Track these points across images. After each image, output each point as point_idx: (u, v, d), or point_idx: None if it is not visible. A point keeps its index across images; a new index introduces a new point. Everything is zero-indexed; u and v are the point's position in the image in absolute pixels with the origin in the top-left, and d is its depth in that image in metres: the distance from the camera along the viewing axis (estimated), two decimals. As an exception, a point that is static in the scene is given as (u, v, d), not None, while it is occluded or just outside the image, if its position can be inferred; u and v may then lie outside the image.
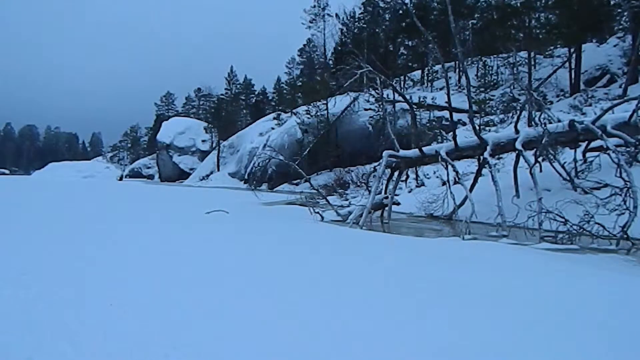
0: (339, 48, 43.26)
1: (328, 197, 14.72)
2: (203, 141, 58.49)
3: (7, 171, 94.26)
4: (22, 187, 21.60)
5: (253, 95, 66.37)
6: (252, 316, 2.71)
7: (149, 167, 68.82)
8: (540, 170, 10.58)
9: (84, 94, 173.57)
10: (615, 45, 25.84)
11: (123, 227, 7.16)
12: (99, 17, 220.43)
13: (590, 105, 20.38)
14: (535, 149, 10.11)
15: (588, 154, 10.68)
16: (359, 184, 21.45)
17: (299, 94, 43.91)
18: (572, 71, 25.14)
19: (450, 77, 15.21)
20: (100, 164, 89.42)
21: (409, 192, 16.92)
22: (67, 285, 3.27)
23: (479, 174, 11.61)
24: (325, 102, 32.60)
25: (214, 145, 54.30)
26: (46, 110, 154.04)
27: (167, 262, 4.22)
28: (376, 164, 15.55)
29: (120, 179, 68.23)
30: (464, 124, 23.16)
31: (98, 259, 4.27)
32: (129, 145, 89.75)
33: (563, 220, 7.70)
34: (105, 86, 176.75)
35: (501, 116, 23.78)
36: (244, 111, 63.57)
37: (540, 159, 10.45)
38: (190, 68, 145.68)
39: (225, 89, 63.92)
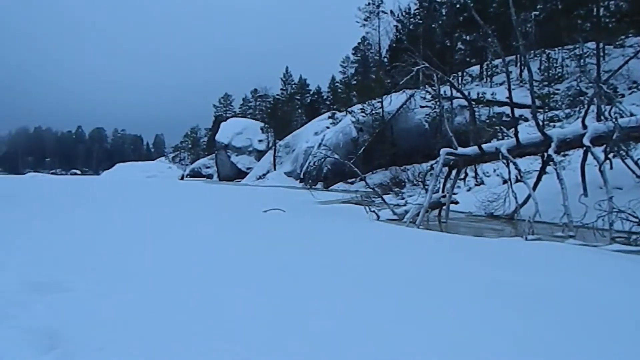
0: (394, 45, 42.68)
1: (384, 196, 14.59)
2: (259, 141, 59.66)
3: (78, 172, 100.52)
4: (95, 186, 22.92)
5: (308, 95, 66.81)
6: (321, 314, 2.73)
7: (208, 167, 71.03)
8: (611, 168, 10.01)
9: (147, 97, 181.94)
10: (695, 33, 23.89)
11: (189, 225, 7.44)
12: (158, 27, 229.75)
13: (667, 97, 18.97)
14: (605, 145, 9.53)
15: (665, 150, 9.97)
16: (415, 182, 21.10)
17: (354, 92, 43.77)
18: (646, 61, 23.46)
19: (511, 72, 14.58)
20: (163, 164, 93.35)
21: (468, 190, 16.46)
22: (135, 281, 3.42)
23: (542, 171, 11.10)
24: (380, 100, 32.29)
25: (270, 144, 55.26)
26: (113, 113, 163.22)
27: (231, 262, 4.32)
28: (433, 162, 15.26)
29: (182, 178, 70.86)
30: (526, 119, 22.23)
31: (165, 257, 4.45)
32: (190, 145, 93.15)
33: (637, 220, 7.23)
34: (168, 90, 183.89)
35: (567, 111, 22.60)
36: (299, 111, 64.12)
37: (610, 156, 9.86)
38: (247, 69, 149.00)
39: (281, 89, 64.93)
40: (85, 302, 2.85)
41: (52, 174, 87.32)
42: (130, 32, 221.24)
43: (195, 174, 71.22)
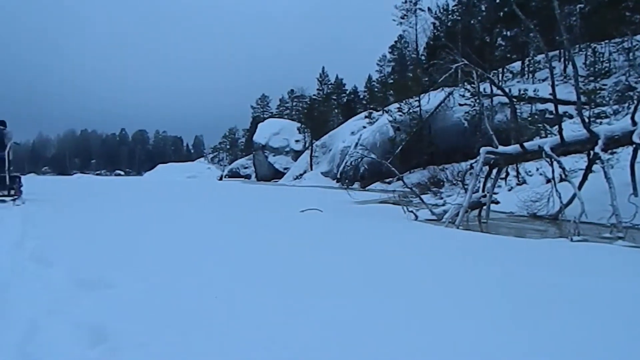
0: (432, 43, 42.15)
1: (422, 196, 14.41)
2: (296, 141, 60.06)
3: (122, 172, 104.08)
4: (140, 186, 23.63)
5: (344, 95, 66.76)
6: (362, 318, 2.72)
7: (246, 167, 72.05)
8: (663, 166, 9.54)
9: (187, 99, 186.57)
10: None
11: (231, 225, 7.56)
12: (197, 35, 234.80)
13: None
14: (657, 142, 9.10)
15: None
16: (454, 182, 20.73)
17: (391, 91, 43.48)
18: (701, 53, 22.24)
19: (554, 67, 14.16)
20: (203, 164, 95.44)
21: (509, 190, 16.05)
22: (176, 278, 3.50)
23: (589, 170, 10.68)
24: (417, 98, 31.94)
25: (306, 145, 55.58)
26: (155, 115, 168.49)
27: (270, 263, 4.35)
28: (472, 161, 14.98)
29: (220, 178, 72.17)
30: (571, 116, 21.47)
31: (208, 256, 4.53)
32: (228, 146, 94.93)
33: (692, 221, 6.86)
34: (207, 92, 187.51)
35: (615, 107, 21.68)
36: (336, 111, 64.17)
37: (663, 153, 9.40)
38: (283, 70, 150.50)
39: (317, 89, 65.07)
40: (129, 298, 2.93)
41: (97, 174, 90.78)
42: (171, 40, 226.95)
43: (234, 174, 72.38)
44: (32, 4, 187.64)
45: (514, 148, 11.25)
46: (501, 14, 35.83)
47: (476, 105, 26.57)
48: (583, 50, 31.42)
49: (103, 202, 12.21)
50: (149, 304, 2.83)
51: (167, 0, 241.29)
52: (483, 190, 11.70)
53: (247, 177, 68.86)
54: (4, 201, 10.11)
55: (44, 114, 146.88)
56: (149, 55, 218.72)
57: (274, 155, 60.71)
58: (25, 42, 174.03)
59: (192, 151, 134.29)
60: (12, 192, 10.33)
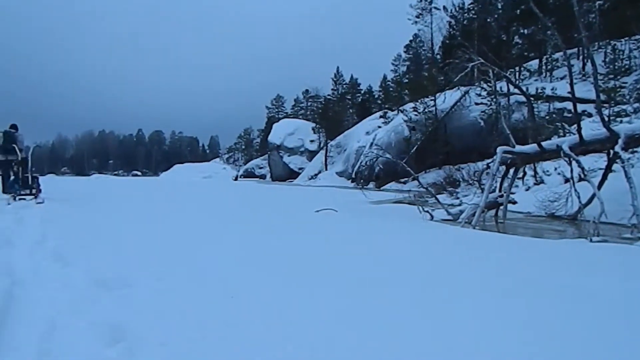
0: (447, 41, 41.83)
1: (437, 196, 14.31)
2: (311, 141, 60.03)
3: (139, 173, 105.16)
4: (160, 187, 23.86)
5: (359, 95, 66.50)
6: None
7: (261, 167, 72.27)
8: (686, 165, 9.34)
9: (203, 100, 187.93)
10: None
11: (249, 224, 7.59)
12: (213, 38, 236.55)
13: None
14: (679, 141, 8.92)
15: None
16: (470, 182, 20.55)
17: (406, 90, 43.25)
18: None
19: (572, 65, 13.84)
20: (218, 165, 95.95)
21: (527, 190, 15.86)
22: (194, 278, 3.52)
23: (608, 169, 10.50)
24: (433, 98, 31.70)
25: (321, 145, 55.53)
26: (171, 116, 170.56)
27: (283, 262, 4.35)
28: (489, 160, 14.83)
29: (236, 179, 72.42)
30: (590, 115, 21.12)
31: (222, 256, 4.55)
32: (243, 146, 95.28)
33: None
34: (222, 93, 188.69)
35: (635, 105, 21.25)
36: (351, 110, 63.98)
37: (685, 152, 9.21)
38: (298, 71, 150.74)
39: (332, 89, 65.01)
40: (148, 298, 2.95)
41: (115, 175, 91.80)
42: (185, 41, 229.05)
43: (249, 175, 72.64)
44: (47, 7, 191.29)
45: (531, 147, 11.11)
46: (518, 11, 35.42)
47: (493, 104, 26.29)
48: (602, 47, 30.84)
49: (120, 203, 12.33)
50: (166, 303, 2.85)
51: (182, 2, 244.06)
52: (500, 190, 11.59)
53: (262, 177, 69.04)
54: (24, 199, 10.38)
55: (62, 115, 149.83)
56: (164, 56, 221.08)
57: (288, 156, 60.78)
58: (42, 46, 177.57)
59: (208, 151, 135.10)
60: (34, 191, 10.74)
